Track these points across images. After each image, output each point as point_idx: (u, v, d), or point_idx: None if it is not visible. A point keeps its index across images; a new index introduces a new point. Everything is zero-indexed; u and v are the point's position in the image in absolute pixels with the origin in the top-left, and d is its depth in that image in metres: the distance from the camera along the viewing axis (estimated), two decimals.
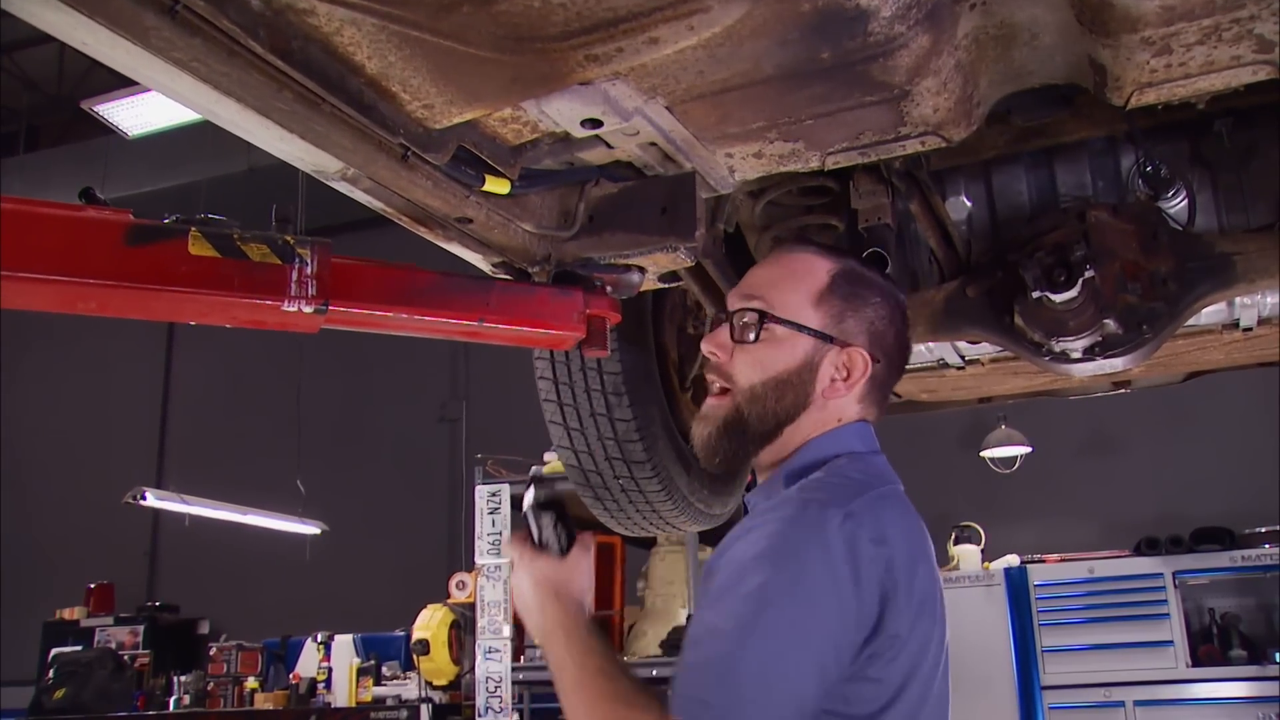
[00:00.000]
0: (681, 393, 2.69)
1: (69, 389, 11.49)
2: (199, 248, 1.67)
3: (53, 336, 11.27)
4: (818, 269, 1.53)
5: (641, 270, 1.96)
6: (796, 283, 1.52)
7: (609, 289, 1.96)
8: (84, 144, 9.47)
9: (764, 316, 1.48)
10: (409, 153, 1.60)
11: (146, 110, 7.73)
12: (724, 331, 1.50)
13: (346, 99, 1.46)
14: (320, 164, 1.65)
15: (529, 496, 1.56)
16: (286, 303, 1.70)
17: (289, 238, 1.73)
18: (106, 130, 8.33)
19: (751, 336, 1.47)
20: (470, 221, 1.81)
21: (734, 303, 1.52)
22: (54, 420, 11.26)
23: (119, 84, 7.56)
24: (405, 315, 1.83)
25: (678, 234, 1.87)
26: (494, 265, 2.02)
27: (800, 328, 1.48)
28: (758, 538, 1.29)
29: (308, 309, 1.72)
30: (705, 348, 1.51)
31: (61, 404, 11.40)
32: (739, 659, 1.20)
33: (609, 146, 1.84)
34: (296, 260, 1.72)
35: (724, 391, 1.49)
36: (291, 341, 8.94)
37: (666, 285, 2.07)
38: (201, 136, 7.97)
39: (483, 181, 1.74)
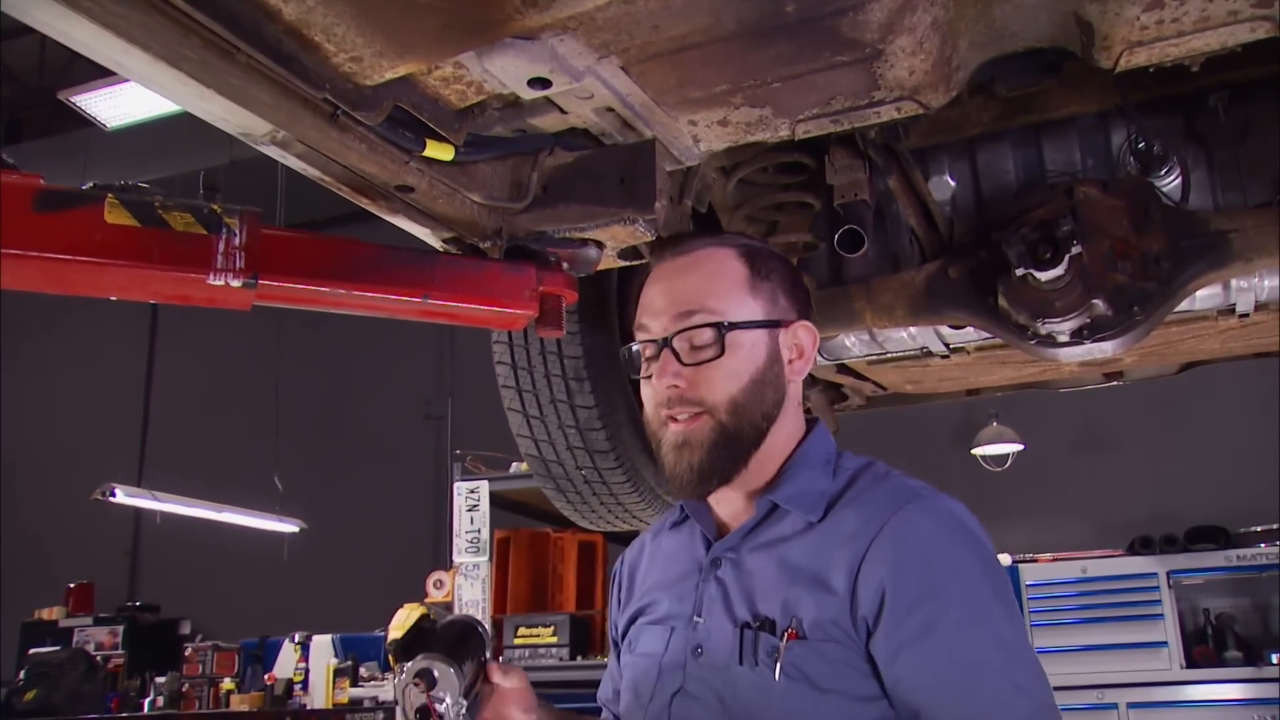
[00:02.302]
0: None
1: (50, 386, 11.37)
2: (116, 216, 1.56)
3: (33, 333, 11.15)
4: (728, 259, 1.45)
5: (599, 245, 1.84)
6: (723, 281, 1.43)
7: (565, 265, 1.84)
8: (64, 137, 9.35)
9: (722, 328, 1.38)
10: (338, 111, 1.48)
11: (125, 101, 7.64)
12: (671, 361, 1.39)
13: (263, 48, 1.34)
14: (246, 125, 1.53)
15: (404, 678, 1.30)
16: (212, 275, 1.59)
17: (215, 206, 1.61)
18: (87, 123, 8.23)
19: (714, 353, 1.37)
20: (412, 190, 1.69)
21: (668, 325, 1.41)
22: (35, 418, 11.13)
23: (98, 75, 7.46)
24: (343, 291, 1.71)
25: (636, 205, 1.75)
26: (444, 241, 1.90)
27: (755, 324, 1.41)
28: (932, 530, 1.27)
29: (235, 283, 1.60)
30: (662, 383, 1.38)
31: (42, 401, 11.28)
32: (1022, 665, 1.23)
33: (563, 112, 1.73)
34: (223, 230, 1.60)
35: (694, 416, 1.38)
36: (272, 336, 8.83)
37: (628, 263, 1.95)
38: (182, 129, 7.86)
39: (423, 146, 1.62)
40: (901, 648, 1.21)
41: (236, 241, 1.60)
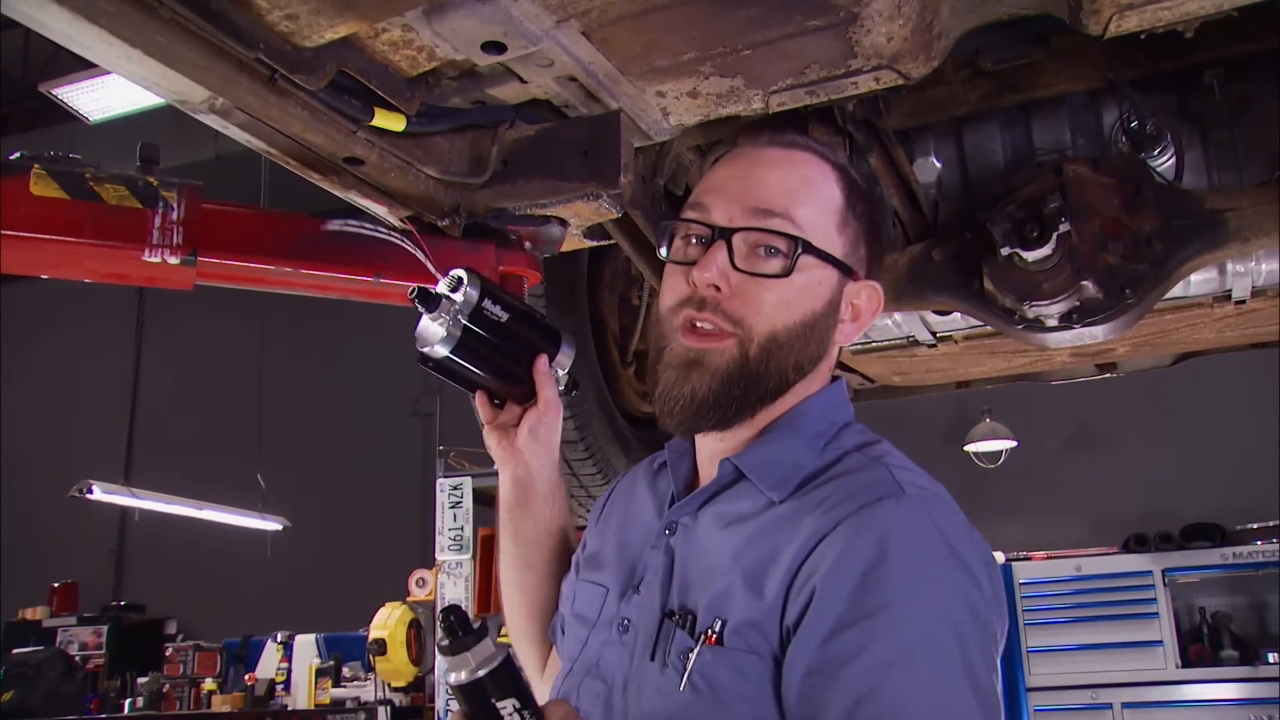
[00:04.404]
0: (623, 368, 2.48)
1: (37, 385, 11.27)
2: (43, 188, 1.48)
3: (20, 333, 11.05)
4: (829, 179, 1.21)
5: (563, 223, 1.75)
6: (817, 197, 1.19)
7: (527, 244, 1.75)
8: (48, 131, 9.26)
9: (801, 244, 1.14)
10: (276, 75, 1.39)
11: (108, 95, 7.53)
12: (722, 254, 1.15)
13: (186, 1, 1.25)
14: (181, 91, 1.44)
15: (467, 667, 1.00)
16: (148, 252, 1.50)
17: (152, 179, 1.53)
18: (71, 117, 8.13)
19: (779, 270, 1.14)
20: (361, 163, 1.60)
21: (736, 216, 1.17)
22: (21, 417, 11.02)
23: (80, 67, 7.36)
24: (290, 269, 1.63)
25: (600, 180, 1.66)
26: (403, 219, 1.81)
27: (832, 260, 1.18)
28: (900, 537, 1.02)
29: (173, 260, 1.52)
30: (704, 277, 1.14)
31: (29, 400, 11.17)
32: None
33: (523, 81, 1.64)
34: (160, 204, 1.52)
35: (716, 334, 1.15)
36: (256, 332, 8.75)
37: (594, 243, 1.86)
38: (166, 123, 7.77)
39: (372, 115, 1.53)
40: (811, 673, 0.98)
41: (174, 216, 1.52)
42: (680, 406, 1.16)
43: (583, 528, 1.48)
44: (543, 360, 1.39)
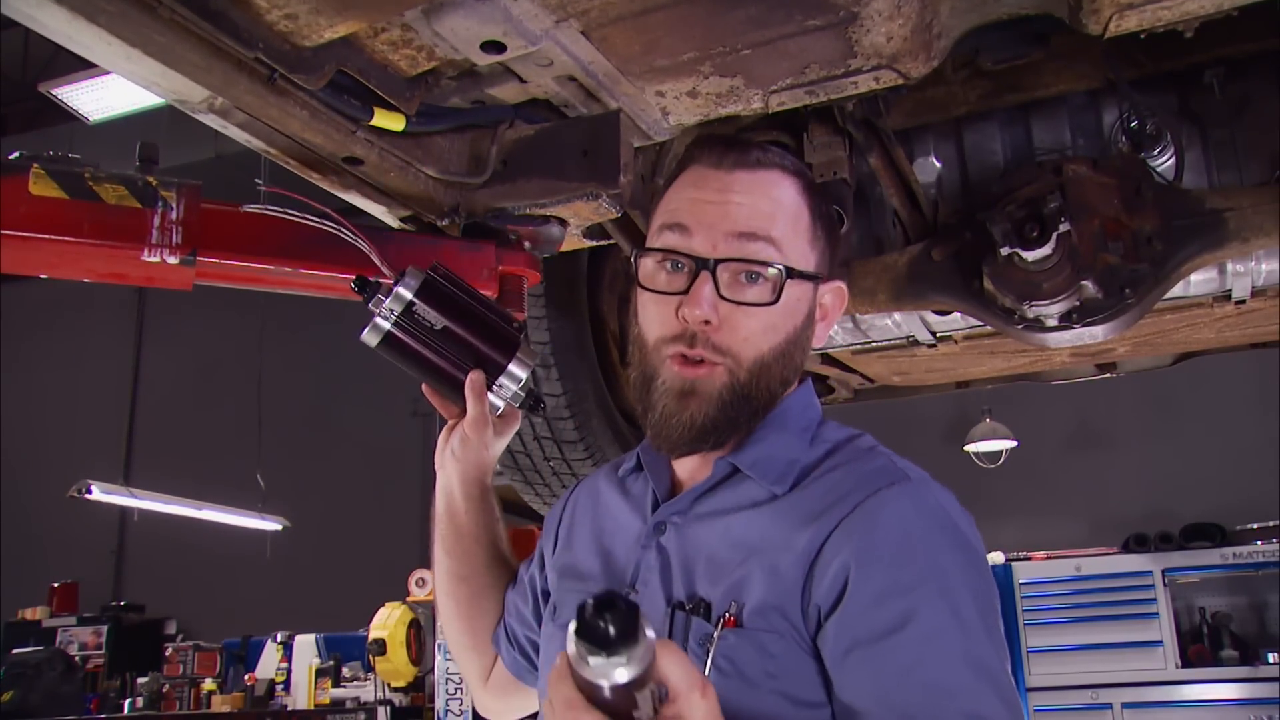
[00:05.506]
0: (623, 368, 2.48)
1: (37, 385, 11.27)
2: (42, 187, 1.48)
3: (20, 333, 11.04)
4: (795, 193, 1.22)
5: (562, 223, 1.75)
6: (789, 215, 1.20)
7: (526, 244, 1.75)
8: (47, 131, 9.25)
9: (786, 272, 1.16)
10: (275, 74, 1.39)
11: (108, 95, 7.52)
12: (709, 287, 1.15)
13: (186, 1, 1.25)
14: (180, 91, 1.45)
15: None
16: (147, 251, 1.50)
17: (151, 179, 1.53)
18: (71, 117, 8.12)
19: (767, 298, 1.15)
20: (360, 163, 1.60)
21: (720, 245, 1.16)
22: (21, 417, 11.02)
23: (80, 67, 7.35)
24: (289, 269, 1.63)
25: (599, 179, 1.67)
26: (401, 219, 1.81)
27: (807, 277, 1.20)
28: (913, 518, 1.09)
29: (172, 259, 1.52)
30: (695, 314, 1.14)
31: (29, 400, 11.17)
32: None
33: (522, 81, 1.64)
34: (159, 204, 1.52)
35: (709, 364, 1.16)
36: (256, 333, 8.76)
37: (594, 243, 1.86)
38: (166, 123, 7.76)
39: (371, 115, 1.53)
40: (854, 647, 1.03)
41: (174, 215, 1.52)
42: (679, 434, 1.18)
43: (520, 530, 1.47)
44: (476, 375, 1.33)
